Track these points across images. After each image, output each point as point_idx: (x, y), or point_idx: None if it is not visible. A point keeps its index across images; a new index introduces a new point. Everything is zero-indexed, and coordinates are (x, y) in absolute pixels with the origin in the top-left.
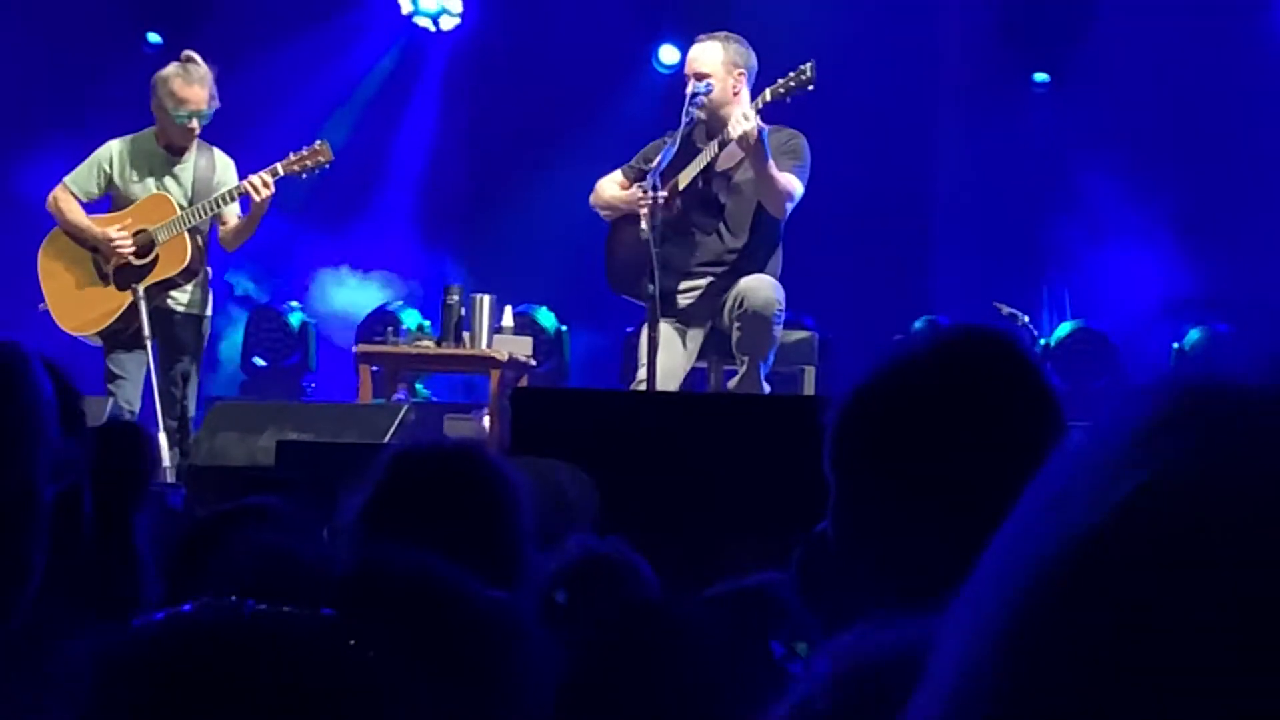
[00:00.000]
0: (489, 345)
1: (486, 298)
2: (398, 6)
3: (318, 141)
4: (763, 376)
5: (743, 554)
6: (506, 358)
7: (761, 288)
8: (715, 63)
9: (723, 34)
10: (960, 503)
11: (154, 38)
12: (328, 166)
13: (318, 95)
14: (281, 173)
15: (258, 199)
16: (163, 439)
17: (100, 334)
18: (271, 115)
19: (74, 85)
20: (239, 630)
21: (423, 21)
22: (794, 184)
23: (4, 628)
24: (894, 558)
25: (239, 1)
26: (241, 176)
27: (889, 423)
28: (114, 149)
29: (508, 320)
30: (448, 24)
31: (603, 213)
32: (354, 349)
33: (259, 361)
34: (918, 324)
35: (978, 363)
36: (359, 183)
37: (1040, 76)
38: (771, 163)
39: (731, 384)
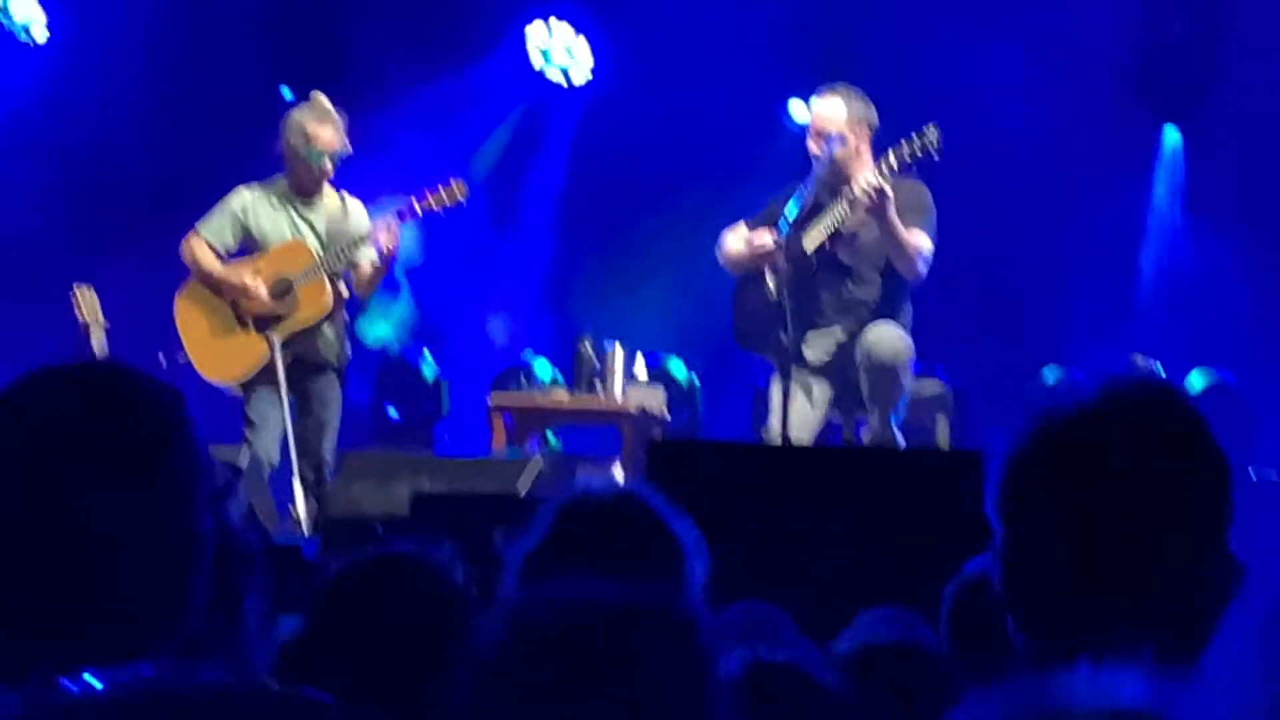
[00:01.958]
0: (622, 396)
1: (619, 347)
2: (529, 62)
3: (454, 180)
4: (895, 427)
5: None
6: (639, 410)
7: (889, 338)
8: (840, 120)
9: (843, 87)
10: (1133, 556)
11: (287, 93)
12: (464, 203)
13: (449, 148)
14: (419, 210)
15: (385, 244)
16: (298, 488)
17: (241, 383)
18: (403, 170)
19: (209, 138)
20: None
21: (554, 75)
22: (924, 242)
23: (165, 653)
24: (1060, 607)
25: (370, 57)
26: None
27: (1066, 469)
28: (245, 196)
29: (640, 370)
30: (579, 79)
31: (729, 267)
32: (488, 400)
33: (392, 413)
34: (1047, 374)
35: (1151, 414)
36: (490, 234)
37: (1173, 135)
38: (899, 225)
39: (865, 435)
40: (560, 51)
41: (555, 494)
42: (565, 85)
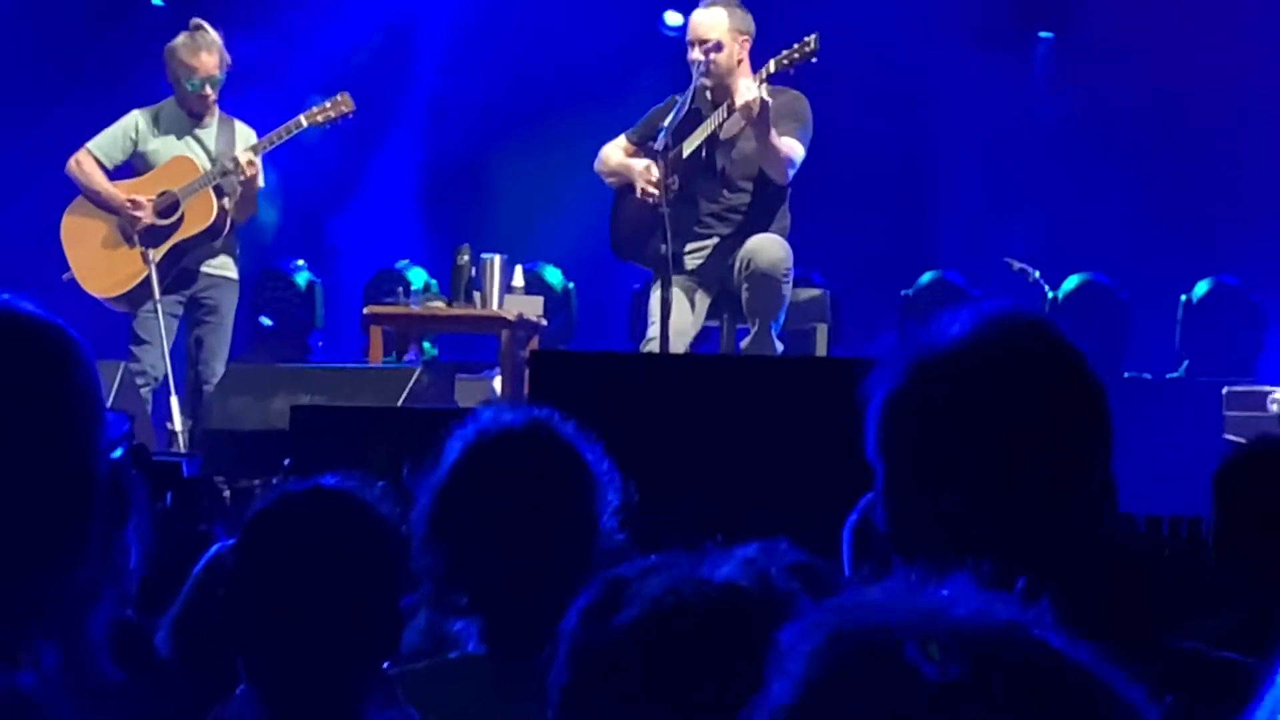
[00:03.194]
0: (500, 305)
1: (497, 258)
2: None
3: (340, 93)
4: (775, 335)
5: (759, 520)
6: (517, 317)
7: (769, 248)
8: (722, 29)
9: (725, 1)
10: (1007, 491)
11: (157, 2)
12: (350, 117)
13: (322, 55)
14: (305, 124)
15: (246, 174)
16: (174, 404)
17: (126, 297)
18: (277, 74)
19: (78, 47)
20: None
21: None
22: (795, 149)
23: (61, 600)
24: (941, 545)
25: None
26: (261, 133)
27: (938, 414)
28: (138, 116)
29: (518, 280)
30: None
31: (608, 179)
32: (364, 310)
33: (265, 321)
34: (925, 278)
35: (1024, 349)
36: (361, 143)
37: (1045, 34)
38: (773, 131)
39: (745, 344)
40: None
41: (433, 403)
42: None
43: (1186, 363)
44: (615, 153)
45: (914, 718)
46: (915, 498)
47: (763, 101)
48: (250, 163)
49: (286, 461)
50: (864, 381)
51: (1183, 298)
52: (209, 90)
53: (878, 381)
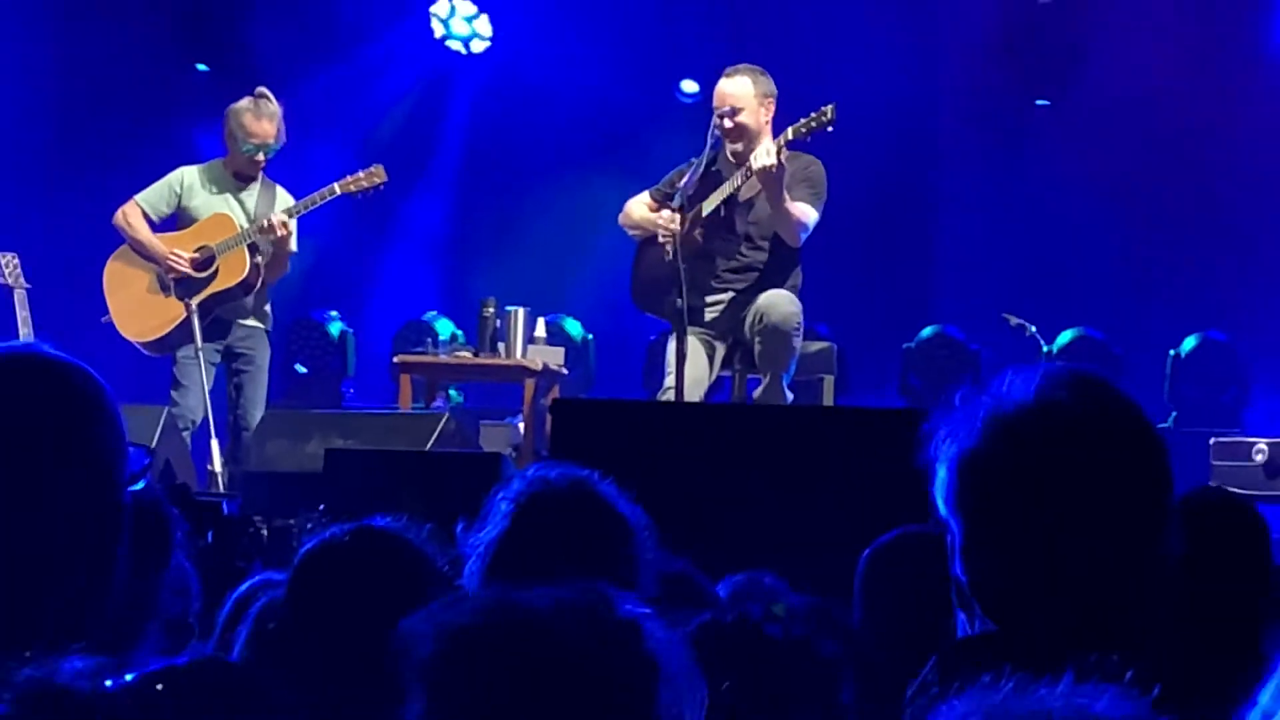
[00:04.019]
0: (523, 355)
1: (521, 310)
2: (430, 31)
3: (374, 165)
4: (785, 386)
5: (771, 566)
6: (541, 367)
7: (781, 303)
8: (747, 95)
9: (748, 67)
10: (1094, 548)
11: (202, 67)
12: (382, 188)
13: (355, 116)
14: (339, 192)
15: (279, 234)
16: (215, 449)
17: (157, 342)
18: (311, 136)
19: (128, 108)
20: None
21: (454, 45)
22: (808, 214)
23: (97, 624)
24: (1028, 603)
25: (279, 30)
26: (297, 195)
27: (1019, 466)
28: (185, 173)
29: (540, 331)
30: (478, 47)
31: (631, 232)
32: (393, 359)
33: (300, 369)
34: (925, 332)
35: (1095, 408)
36: (392, 196)
37: (1042, 101)
38: (786, 196)
39: (756, 394)
40: (460, 23)
41: (460, 447)
42: (464, 54)
43: (1175, 414)
44: (639, 207)
45: None
46: (998, 553)
47: (779, 166)
48: (284, 224)
49: (321, 506)
50: (927, 437)
51: (1171, 352)
52: (262, 156)
53: (951, 438)
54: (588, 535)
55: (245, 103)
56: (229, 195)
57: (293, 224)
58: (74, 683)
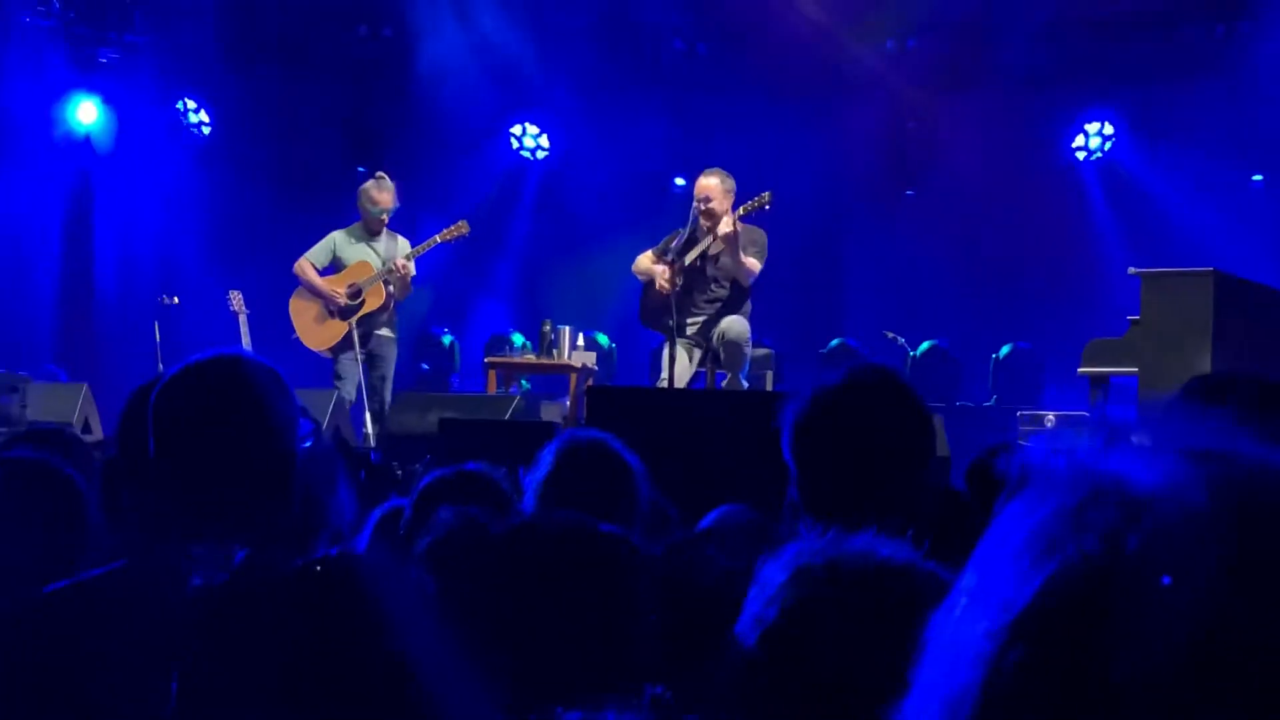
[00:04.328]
0: (569, 358)
1: (568, 328)
2: (509, 144)
3: (460, 221)
4: (742, 379)
5: (731, 493)
6: (581, 366)
7: (736, 325)
8: (717, 189)
9: (717, 170)
10: (877, 475)
11: (360, 169)
12: (466, 236)
13: (461, 200)
14: (439, 241)
15: (400, 274)
16: (368, 418)
17: (330, 350)
18: (430, 212)
19: (313, 196)
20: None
21: (526, 154)
22: (755, 266)
23: (285, 528)
24: (836, 514)
25: (412, 144)
26: (413, 244)
27: (830, 426)
28: (335, 235)
29: (581, 341)
30: (541, 155)
31: (639, 276)
32: (484, 360)
33: (424, 366)
34: (834, 343)
35: (881, 387)
36: (484, 252)
37: (909, 192)
38: (741, 253)
39: (724, 384)
40: (530, 139)
41: (527, 418)
42: (531, 159)
43: (995, 397)
44: (644, 260)
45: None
46: (818, 483)
47: (735, 234)
48: (405, 266)
49: (427, 457)
50: (780, 409)
51: (993, 355)
52: (385, 217)
53: (789, 409)
54: (603, 477)
55: (371, 183)
56: (365, 245)
57: (411, 265)
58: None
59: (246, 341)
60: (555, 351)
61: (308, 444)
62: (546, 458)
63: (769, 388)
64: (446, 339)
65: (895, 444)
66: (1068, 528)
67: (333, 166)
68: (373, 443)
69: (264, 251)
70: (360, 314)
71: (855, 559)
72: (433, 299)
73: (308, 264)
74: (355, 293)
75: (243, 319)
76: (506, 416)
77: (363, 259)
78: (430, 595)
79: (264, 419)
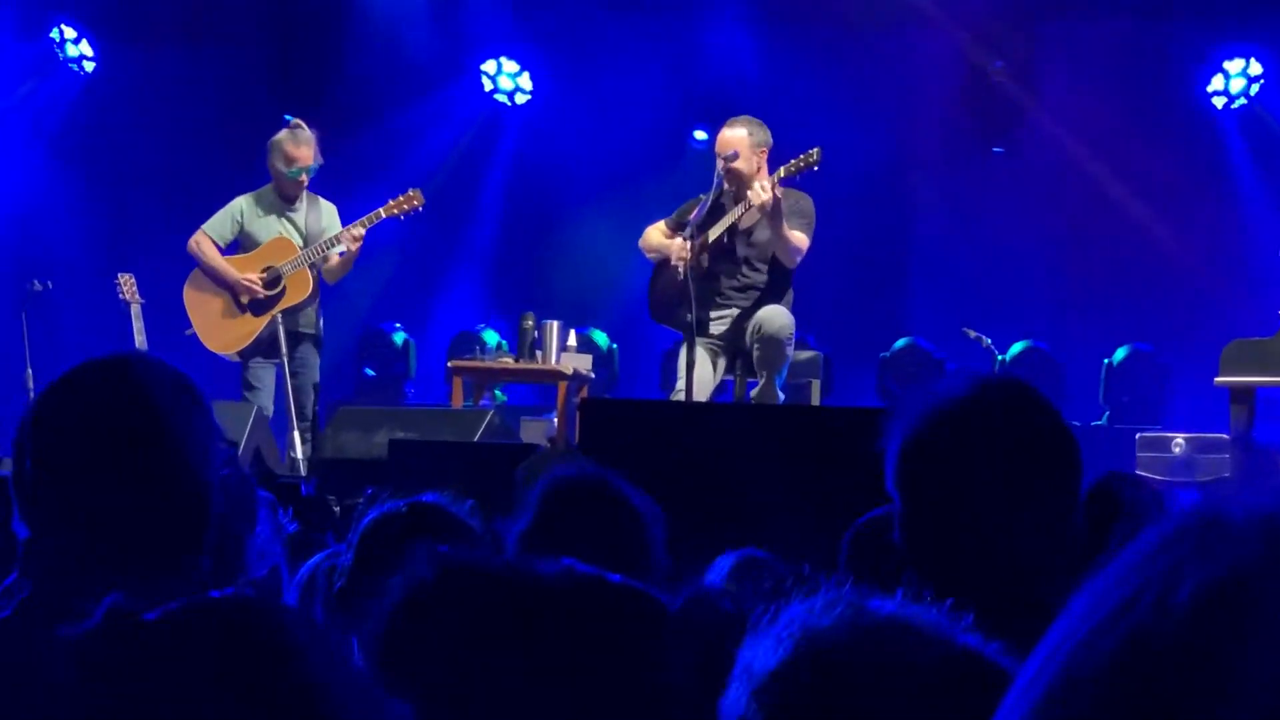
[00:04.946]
0: (557, 361)
1: (555, 323)
2: (481, 86)
3: (411, 189)
4: (778, 387)
5: (768, 540)
6: (572, 372)
7: (777, 316)
8: (743, 144)
9: (745, 118)
10: (1004, 522)
11: (288, 116)
12: (420, 210)
13: (416, 159)
14: (384, 215)
15: (350, 248)
16: (296, 438)
17: (240, 353)
18: (381, 172)
19: (227, 150)
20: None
21: (500, 98)
22: (802, 241)
23: (186, 586)
24: (951, 564)
25: (353, 85)
26: (349, 219)
27: (949, 453)
28: (242, 202)
29: (572, 340)
30: (521, 100)
31: (649, 255)
32: (448, 364)
33: (369, 372)
34: (899, 343)
35: (1015, 407)
36: (447, 226)
37: (997, 149)
38: (785, 225)
39: (753, 394)
40: (506, 79)
41: (503, 439)
42: (509, 105)
43: (1107, 413)
44: (655, 234)
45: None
46: (931, 524)
47: (775, 200)
48: (358, 238)
49: (369, 490)
50: (884, 427)
51: (1105, 360)
52: (304, 178)
53: (896, 429)
54: (604, 528)
55: (284, 134)
56: (280, 216)
57: (360, 235)
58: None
59: (140, 339)
60: (539, 353)
61: (225, 473)
62: (529, 504)
63: (815, 400)
64: (399, 337)
65: (1041, 477)
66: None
67: (253, 114)
68: (303, 470)
69: (163, 224)
70: (279, 308)
71: (883, 635)
72: (382, 287)
73: (206, 240)
74: (273, 279)
75: (135, 310)
76: (476, 437)
77: (280, 234)
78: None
79: (170, 441)
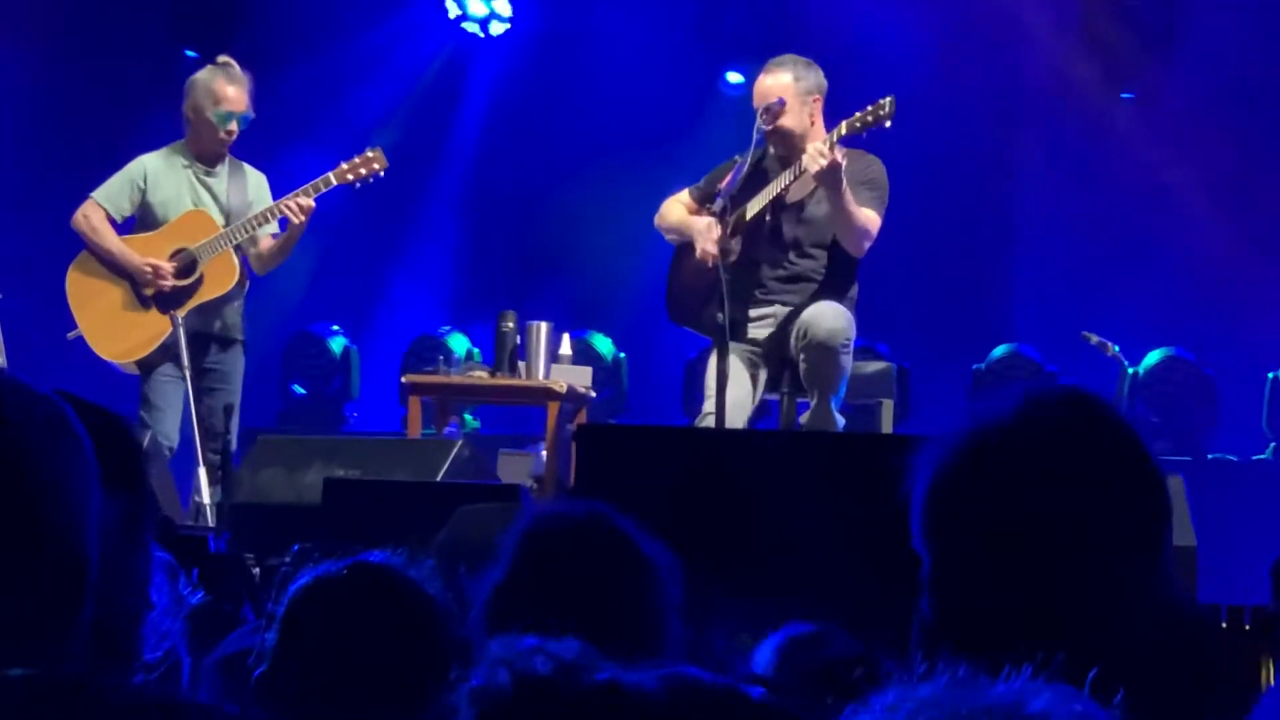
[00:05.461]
0: (546, 375)
1: (544, 325)
2: (444, 11)
3: (370, 149)
4: (836, 410)
5: (820, 606)
6: (565, 389)
7: (827, 316)
8: (789, 90)
9: (791, 59)
10: (1058, 580)
11: (191, 53)
12: (381, 174)
13: (360, 108)
14: (334, 182)
15: (296, 220)
16: (202, 475)
17: (143, 361)
18: (313, 129)
19: (110, 102)
20: None
21: (470, 27)
22: (873, 221)
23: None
24: (990, 634)
25: (276, 12)
26: (280, 193)
27: (987, 500)
28: (146, 163)
29: (565, 348)
30: (497, 29)
31: (668, 236)
32: (402, 379)
33: (298, 390)
34: (998, 351)
35: (1073, 432)
36: (401, 198)
37: (1126, 95)
38: (850, 198)
39: (804, 418)
40: (478, 3)
41: (475, 478)
42: (481, 36)
43: (1274, 445)
44: (676, 208)
45: None
46: (964, 586)
47: (835, 165)
48: (306, 209)
49: (294, 547)
50: (912, 462)
51: (1270, 375)
52: (235, 126)
53: (924, 463)
54: (599, 574)
55: (210, 70)
56: (195, 182)
57: (308, 204)
58: None
59: None
60: (522, 365)
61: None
62: (504, 552)
63: (885, 426)
64: (337, 344)
65: (1103, 525)
66: None
67: (147, 49)
68: (211, 519)
69: (26, 193)
70: (194, 302)
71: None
72: (314, 277)
73: (100, 214)
74: (187, 265)
75: None
76: (439, 476)
77: (195, 205)
78: None
79: (33, 492)
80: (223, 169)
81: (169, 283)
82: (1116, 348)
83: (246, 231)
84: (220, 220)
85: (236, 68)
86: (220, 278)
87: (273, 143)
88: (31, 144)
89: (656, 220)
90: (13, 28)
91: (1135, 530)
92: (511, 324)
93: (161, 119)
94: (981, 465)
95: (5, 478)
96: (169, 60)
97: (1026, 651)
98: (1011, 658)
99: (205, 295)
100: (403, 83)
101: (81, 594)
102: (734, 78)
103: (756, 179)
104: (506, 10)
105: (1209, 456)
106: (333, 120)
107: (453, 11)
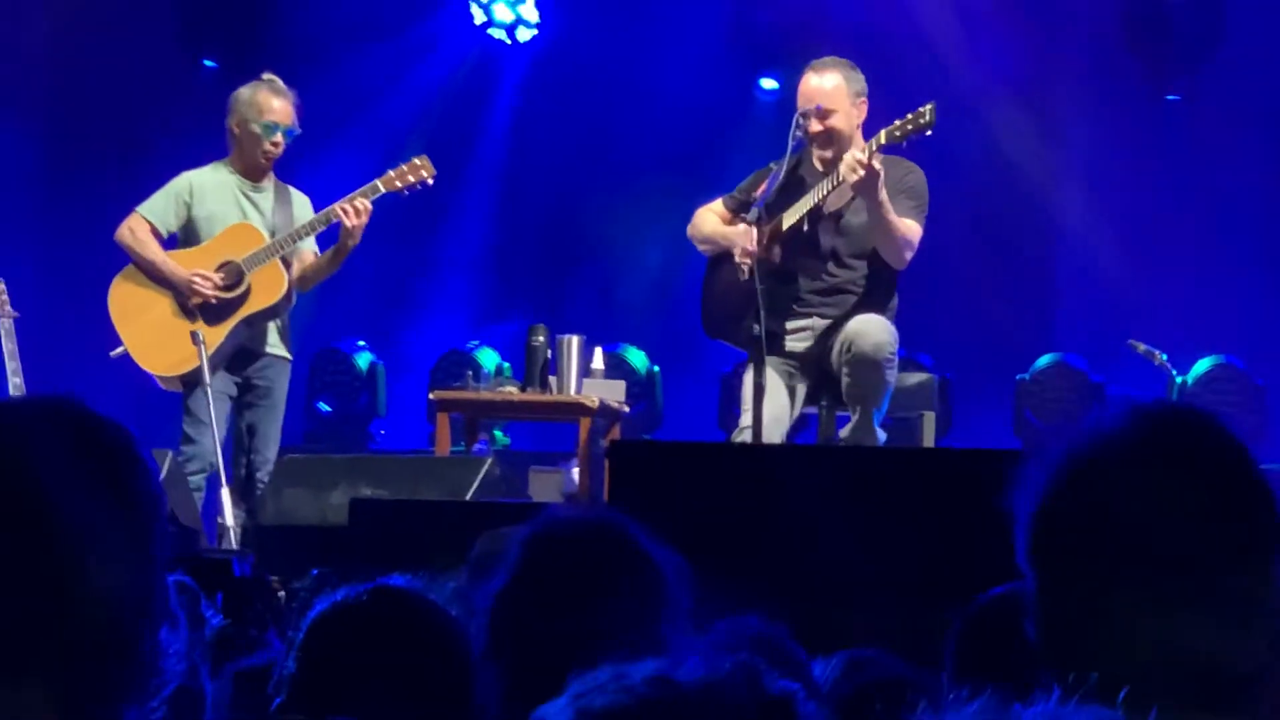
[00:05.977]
0: (578, 390)
1: (575, 339)
2: (470, 18)
3: (417, 157)
4: (877, 424)
5: (859, 625)
6: (598, 405)
7: (872, 329)
8: (840, 94)
9: (837, 60)
10: (1177, 604)
11: (209, 63)
12: (430, 183)
13: (382, 119)
14: (383, 189)
15: (350, 224)
16: (225, 495)
17: (184, 376)
18: (333, 141)
19: (128, 113)
20: None
21: (497, 34)
22: (914, 231)
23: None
24: (1101, 658)
25: (297, 20)
26: (317, 207)
27: (1102, 520)
28: (191, 178)
29: (598, 362)
30: (524, 36)
31: (701, 246)
32: (430, 395)
33: (323, 407)
34: (1042, 361)
35: (1190, 451)
36: (428, 209)
37: (1172, 96)
38: (889, 208)
39: (844, 433)
40: (503, 8)
41: (505, 497)
42: (509, 43)
43: None
44: (710, 218)
45: None
46: (1076, 610)
47: (874, 174)
48: (363, 211)
49: (314, 571)
50: (1015, 478)
51: None
52: (280, 139)
53: (1031, 480)
54: (606, 579)
55: (256, 84)
56: (241, 199)
57: (367, 207)
58: None
59: (12, 363)
60: (554, 380)
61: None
62: (507, 558)
63: (928, 440)
64: (363, 359)
65: (1221, 547)
66: None
67: (158, 61)
68: (235, 541)
69: (45, 211)
70: (241, 314)
71: None
72: (340, 292)
73: (145, 227)
74: (234, 278)
75: (5, 325)
76: (468, 495)
77: (240, 220)
78: None
79: (52, 527)
80: (268, 185)
81: (216, 294)
82: (1164, 356)
83: (293, 241)
84: (266, 236)
85: (280, 83)
86: (268, 289)
87: (296, 153)
88: (42, 159)
89: (690, 230)
90: (29, 41)
91: (1254, 552)
92: (542, 338)
93: (180, 129)
94: (1097, 486)
95: (17, 509)
96: (188, 70)
97: (1139, 675)
98: (1123, 681)
99: (253, 307)
100: (427, 92)
101: (101, 617)
102: (768, 84)
103: (793, 187)
104: (534, 16)
105: (1262, 465)
106: (355, 131)
107: (478, 18)
